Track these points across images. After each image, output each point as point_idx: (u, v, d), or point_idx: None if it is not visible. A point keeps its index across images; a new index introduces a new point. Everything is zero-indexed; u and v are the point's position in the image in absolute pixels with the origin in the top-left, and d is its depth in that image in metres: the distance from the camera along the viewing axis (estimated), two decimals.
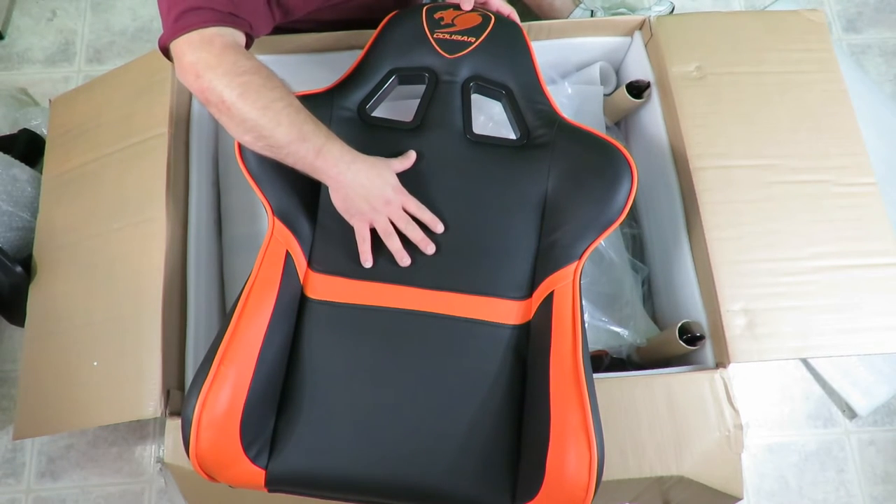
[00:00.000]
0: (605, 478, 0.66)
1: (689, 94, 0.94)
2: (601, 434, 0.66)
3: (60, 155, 1.01)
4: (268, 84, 0.71)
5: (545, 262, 0.77)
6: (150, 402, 0.81)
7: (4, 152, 1.19)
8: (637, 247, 1.12)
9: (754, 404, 1.25)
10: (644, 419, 0.80)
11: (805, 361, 1.27)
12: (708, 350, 0.86)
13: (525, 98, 0.86)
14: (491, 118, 1.03)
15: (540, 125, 0.84)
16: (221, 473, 0.70)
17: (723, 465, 0.79)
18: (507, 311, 0.76)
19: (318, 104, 0.82)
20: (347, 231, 0.78)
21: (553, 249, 0.77)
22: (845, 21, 1.56)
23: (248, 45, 0.80)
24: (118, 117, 0.98)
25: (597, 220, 0.77)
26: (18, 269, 1.03)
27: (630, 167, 0.78)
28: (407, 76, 0.87)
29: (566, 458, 0.65)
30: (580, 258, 0.75)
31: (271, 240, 0.76)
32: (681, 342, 0.86)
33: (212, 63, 0.70)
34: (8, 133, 1.35)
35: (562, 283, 0.74)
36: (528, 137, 0.84)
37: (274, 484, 0.71)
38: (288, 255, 0.76)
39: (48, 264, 0.95)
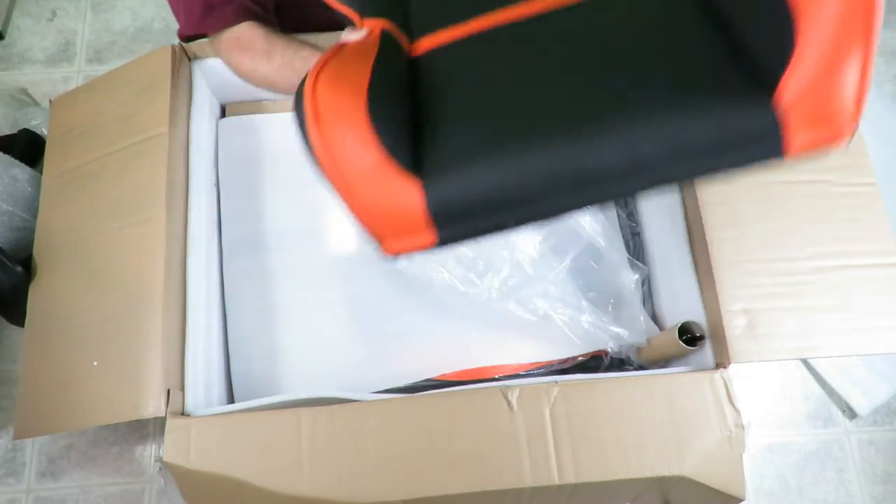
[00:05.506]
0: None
1: None
2: None
3: (60, 155, 1.01)
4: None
5: None
6: (150, 402, 0.81)
7: (4, 152, 1.19)
8: (637, 247, 1.12)
9: (754, 404, 1.25)
10: (644, 419, 0.80)
11: (805, 361, 1.27)
12: (708, 350, 0.86)
13: None
14: None
15: None
16: (356, 186, 0.46)
17: (724, 465, 0.79)
18: None
19: None
20: None
21: None
22: None
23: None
24: (118, 117, 0.98)
25: None
26: (18, 269, 1.03)
27: None
28: None
29: None
30: None
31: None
32: (681, 342, 0.86)
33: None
34: (8, 133, 1.35)
35: None
36: None
37: (438, 206, 0.46)
38: (384, 30, 0.58)
39: (48, 264, 0.95)
